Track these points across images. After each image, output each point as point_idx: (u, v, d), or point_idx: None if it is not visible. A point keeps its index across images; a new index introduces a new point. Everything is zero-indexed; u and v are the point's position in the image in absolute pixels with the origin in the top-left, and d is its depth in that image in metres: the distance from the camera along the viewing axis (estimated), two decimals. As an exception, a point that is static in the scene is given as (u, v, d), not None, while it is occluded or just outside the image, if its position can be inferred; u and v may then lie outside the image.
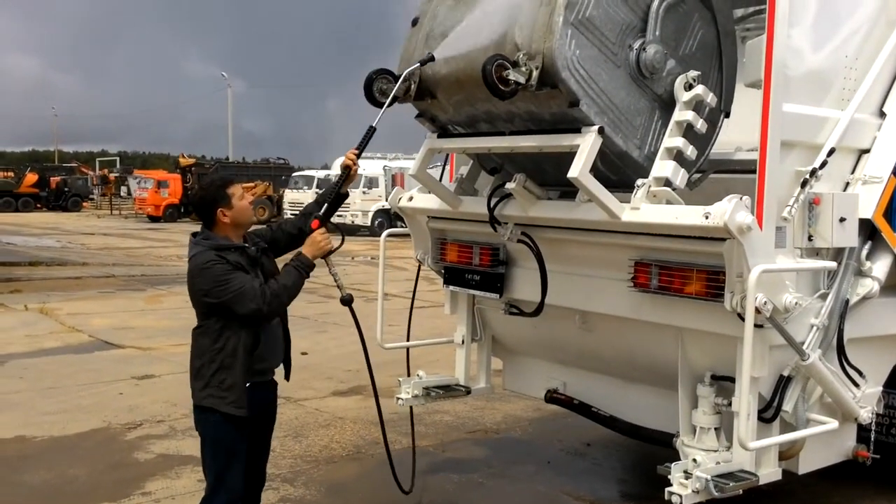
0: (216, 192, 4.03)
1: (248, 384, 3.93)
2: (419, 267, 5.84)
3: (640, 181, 4.17)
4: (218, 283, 3.84)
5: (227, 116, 63.45)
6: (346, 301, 4.24)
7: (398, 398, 5.72)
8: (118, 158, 79.02)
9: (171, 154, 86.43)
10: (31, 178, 53.43)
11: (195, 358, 4.00)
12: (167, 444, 6.49)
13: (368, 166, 33.54)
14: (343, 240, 4.27)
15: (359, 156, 4.34)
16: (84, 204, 54.87)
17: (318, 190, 33.88)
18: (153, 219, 41.10)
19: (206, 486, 4.04)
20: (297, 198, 35.17)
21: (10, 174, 55.93)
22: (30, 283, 16.42)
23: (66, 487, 5.71)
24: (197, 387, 3.98)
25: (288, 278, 3.97)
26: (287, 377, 4.38)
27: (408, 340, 5.87)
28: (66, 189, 53.75)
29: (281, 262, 4.27)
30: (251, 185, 40.30)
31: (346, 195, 4.47)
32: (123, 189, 54.76)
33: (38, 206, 51.77)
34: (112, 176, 58.82)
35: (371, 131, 4.42)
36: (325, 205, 4.25)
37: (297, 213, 4.54)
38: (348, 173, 4.33)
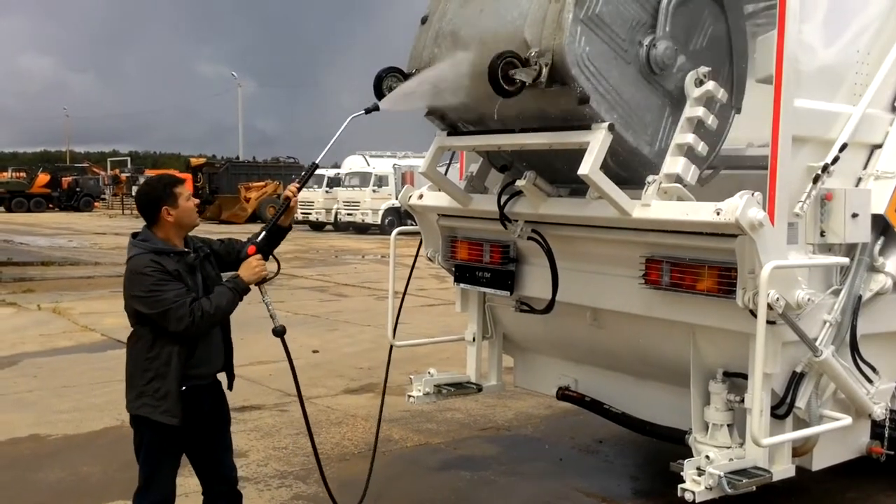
0: (163, 190, 3.92)
1: (183, 388, 3.87)
2: (414, 260, 5.82)
3: (650, 178, 4.16)
4: (151, 293, 3.76)
5: (237, 116, 63.71)
6: (279, 332, 4.09)
7: (409, 395, 5.73)
8: (129, 158, 79.33)
9: (182, 154, 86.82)
10: (43, 178, 53.74)
11: (129, 366, 3.94)
12: (180, 443, 6.51)
13: (378, 165, 33.57)
14: (279, 269, 4.17)
15: (300, 189, 4.29)
16: (95, 204, 55.14)
17: (327, 189, 34.15)
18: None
19: (138, 484, 4.03)
20: (306, 197, 35.17)
21: (23, 174, 56.31)
22: (42, 282, 16.51)
23: (81, 485, 5.75)
24: (131, 396, 3.92)
25: (222, 299, 3.86)
26: (230, 387, 4.27)
27: (393, 337, 5.77)
28: (77, 189, 54.02)
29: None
30: (262, 184, 40.43)
31: (289, 228, 4.34)
32: (135, 189, 55.00)
33: (50, 206, 52.04)
34: (123, 176, 59.05)
35: (313, 167, 4.61)
36: (264, 233, 4.14)
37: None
38: (288, 204, 4.22)
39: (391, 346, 5.76)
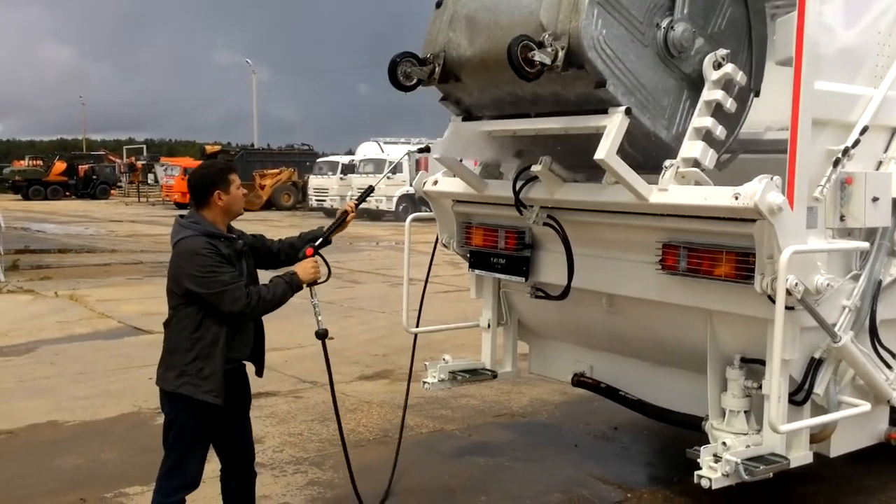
0: (218, 175, 4.02)
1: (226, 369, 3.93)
2: (433, 250, 5.81)
3: (668, 162, 4.13)
4: (209, 274, 3.82)
5: (252, 104, 63.72)
6: (321, 335, 4.27)
7: (424, 382, 5.72)
8: (145, 146, 79.60)
9: (198, 141, 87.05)
10: (60, 166, 54.08)
11: (169, 345, 3.97)
12: (196, 429, 6.54)
13: (392, 151, 33.54)
14: (329, 275, 4.37)
15: (357, 206, 4.63)
16: (112, 191, 55.40)
17: (342, 176, 34.19)
18: (180, 205, 41.37)
19: (165, 464, 4.04)
20: (321, 184, 35.26)
21: (40, 163, 56.64)
22: (59, 269, 16.62)
23: (98, 471, 5.79)
24: (170, 374, 3.93)
25: (278, 290, 3.99)
26: (259, 373, 4.31)
27: (417, 325, 5.76)
28: (94, 177, 54.31)
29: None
30: (276, 171, 40.52)
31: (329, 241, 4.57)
32: (150, 176, 55.22)
33: (67, 193, 52.36)
34: (139, 163, 59.33)
35: (370, 189, 5.15)
36: (321, 239, 4.37)
37: (293, 236, 4.53)
38: (344, 219, 4.51)
39: (415, 336, 5.75)
